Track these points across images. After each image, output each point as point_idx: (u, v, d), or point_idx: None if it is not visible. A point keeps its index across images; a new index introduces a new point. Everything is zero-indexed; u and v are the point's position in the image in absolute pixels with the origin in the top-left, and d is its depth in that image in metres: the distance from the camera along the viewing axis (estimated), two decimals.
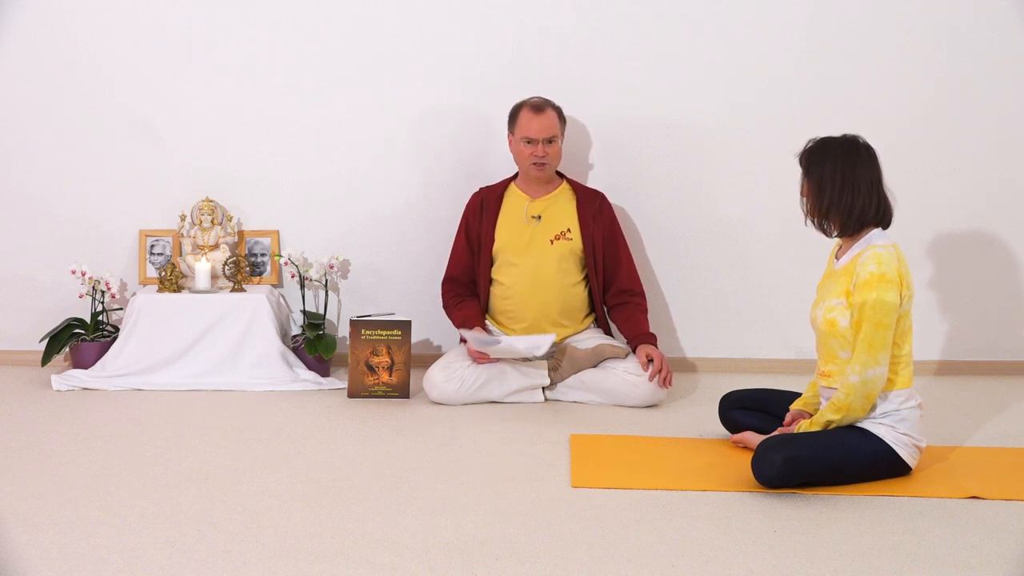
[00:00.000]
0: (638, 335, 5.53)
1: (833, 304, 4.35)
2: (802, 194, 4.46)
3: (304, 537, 3.78)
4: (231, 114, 6.00)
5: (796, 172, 5.98)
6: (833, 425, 4.31)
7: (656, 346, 5.50)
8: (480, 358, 5.39)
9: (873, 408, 4.32)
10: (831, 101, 5.98)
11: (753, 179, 6.04)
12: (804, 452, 4.24)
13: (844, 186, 4.33)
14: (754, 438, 4.60)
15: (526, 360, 5.42)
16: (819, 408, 4.51)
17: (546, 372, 5.42)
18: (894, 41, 5.97)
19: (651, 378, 5.35)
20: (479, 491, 4.23)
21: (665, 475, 4.40)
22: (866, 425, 4.32)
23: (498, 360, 5.41)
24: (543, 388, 5.45)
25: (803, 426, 4.37)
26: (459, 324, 5.60)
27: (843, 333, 4.32)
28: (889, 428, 4.30)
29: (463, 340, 5.55)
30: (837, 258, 4.46)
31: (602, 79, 5.98)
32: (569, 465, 4.52)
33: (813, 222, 4.43)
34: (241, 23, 5.95)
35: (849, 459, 4.26)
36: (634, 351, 5.49)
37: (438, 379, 5.38)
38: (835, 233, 4.41)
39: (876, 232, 4.36)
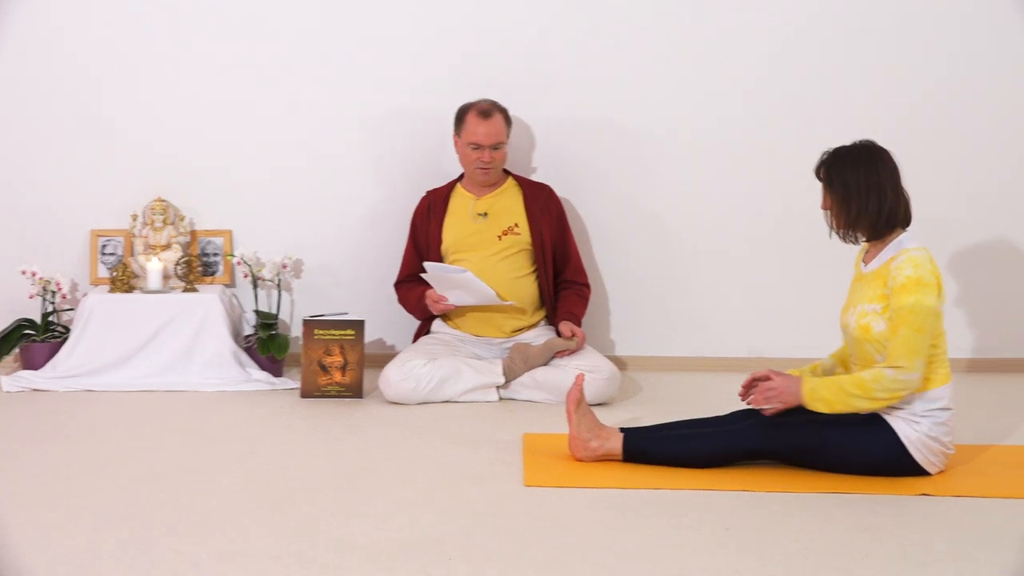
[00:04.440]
0: (566, 313, 5.61)
1: (866, 309, 4.33)
2: (824, 207, 4.41)
3: (256, 538, 3.76)
4: (184, 114, 5.97)
5: (740, 171, 6.07)
6: (851, 408, 4.26)
7: (579, 325, 5.59)
8: (436, 304, 5.50)
9: (908, 405, 4.32)
10: (775, 102, 6.03)
11: (699, 179, 6.08)
12: (815, 446, 4.33)
13: (870, 191, 4.30)
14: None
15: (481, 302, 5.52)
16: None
17: (500, 370, 5.42)
18: (843, 40, 6.03)
19: (574, 342, 5.48)
20: (432, 491, 4.23)
21: (617, 474, 4.40)
22: (894, 424, 4.31)
23: (455, 307, 5.51)
24: (497, 387, 5.45)
25: (819, 388, 4.28)
26: (418, 296, 5.63)
27: (877, 338, 4.29)
28: (912, 424, 4.30)
29: (416, 297, 5.62)
30: (865, 262, 4.44)
31: (554, 81, 6.00)
32: (522, 464, 4.52)
33: (839, 234, 4.40)
34: (194, 24, 5.92)
35: (866, 463, 4.33)
36: (559, 325, 5.58)
37: (394, 378, 5.37)
38: (863, 240, 4.40)
39: (905, 235, 4.36)
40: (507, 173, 5.77)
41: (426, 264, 5.50)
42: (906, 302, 4.22)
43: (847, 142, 4.42)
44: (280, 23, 5.94)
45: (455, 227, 5.66)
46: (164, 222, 5.89)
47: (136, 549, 3.65)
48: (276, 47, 5.95)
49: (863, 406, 4.26)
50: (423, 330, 5.73)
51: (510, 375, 5.45)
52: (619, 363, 6.06)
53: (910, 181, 4.15)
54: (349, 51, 5.97)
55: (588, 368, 5.36)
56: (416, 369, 5.37)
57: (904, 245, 4.32)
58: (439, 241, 5.64)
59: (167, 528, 3.83)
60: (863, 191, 4.31)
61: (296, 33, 5.95)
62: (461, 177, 5.76)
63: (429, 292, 5.55)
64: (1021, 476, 4.45)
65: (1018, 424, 5.18)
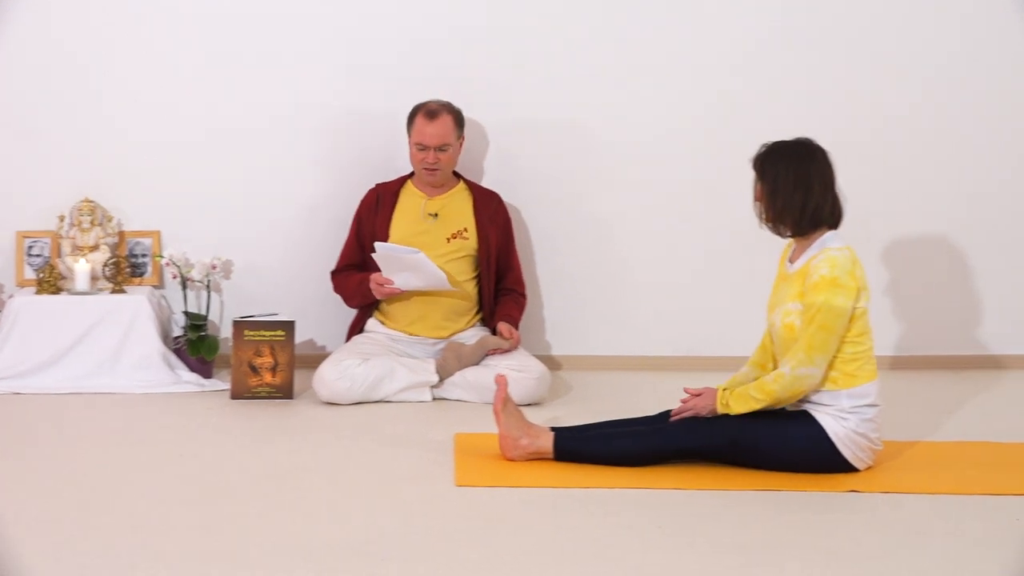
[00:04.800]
0: (504, 315, 5.61)
1: (789, 308, 4.36)
2: (755, 199, 4.45)
3: (188, 540, 3.73)
4: (110, 113, 5.91)
5: (682, 171, 6.10)
6: (757, 408, 4.35)
7: (517, 328, 5.59)
8: (381, 288, 5.45)
9: (836, 401, 4.35)
10: (715, 103, 6.04)
11: (640, 179, 6.09)
12: (745, 444, 4.37)
13: (797, 186, 4.34)
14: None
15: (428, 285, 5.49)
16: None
17: (434, 369, 5.42)
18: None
19: (509, 342, 5.50)
20: (363, 491, 4.22)
21: (549, 473, 4.41)
22: (822, 420, 4.34)
23: (400, 291, 5.47)
24: (430, 386, 5.44)
25: (729, 398, 4.37)
26: (357, 281, 5.60)
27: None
28: (839, 420, 4.33)
29: (356, 283, 5.58)
30: (791, 261, 4.47)
31: (503, 80, 5.99)
32: (454, 464, 4.52)
33: (768, 226, 4.44)
34: (118, 20, 5.86)
35: (795, 460, 4.36)
36: (495, 325, 5.58)
37: (329, 377, 5.34)
38: (788, 234, 4.43)
39: (830, 235, 4.38)
40: (458, 177, 5.76)
41: (377, 244, 5.45)
42: (816, 300, 4.27)
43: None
44: (210, 20, 5.90)
45: (404, 224, 5.64)
46: (92, 223, 5.83)
47: (67, 552, 3.62)
48: (205, 45, 5.90)
49: (769, 406, 4.35)
50: (356, 329, 5.72)
51: (443, 373, 5.44)
52: (554, 363, 6.06)
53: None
54: (282, 48, 5.92)
55: (517, 368, 5.37)
56: (351, 369, 5.35)
57: (827, 244, 4.36)
58: (386, 236, 5.60)
59: (98, 531, 3.79)
60: (790, 186, 4.35)
61: (226, 30, 5.90)
62: (412, 174, 5.75)
63: (375, 275, 5.50)
64: (947, 472, 4.50)
65: (943, 420, 5.24)
